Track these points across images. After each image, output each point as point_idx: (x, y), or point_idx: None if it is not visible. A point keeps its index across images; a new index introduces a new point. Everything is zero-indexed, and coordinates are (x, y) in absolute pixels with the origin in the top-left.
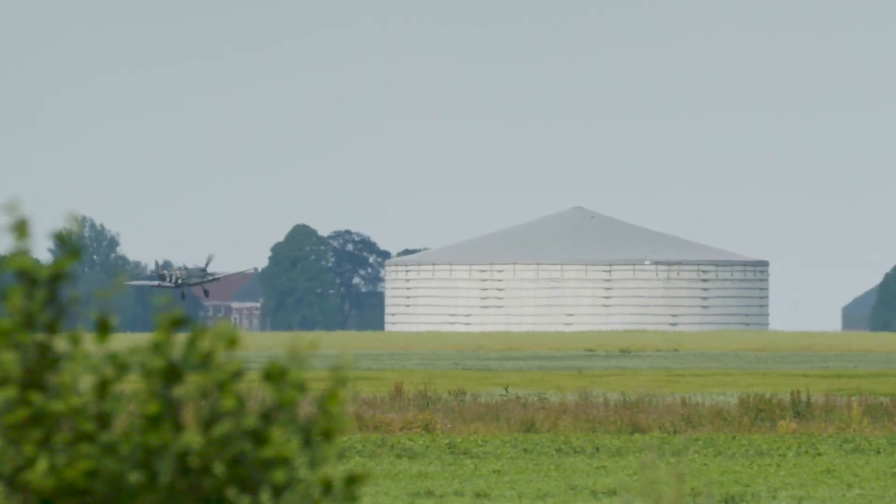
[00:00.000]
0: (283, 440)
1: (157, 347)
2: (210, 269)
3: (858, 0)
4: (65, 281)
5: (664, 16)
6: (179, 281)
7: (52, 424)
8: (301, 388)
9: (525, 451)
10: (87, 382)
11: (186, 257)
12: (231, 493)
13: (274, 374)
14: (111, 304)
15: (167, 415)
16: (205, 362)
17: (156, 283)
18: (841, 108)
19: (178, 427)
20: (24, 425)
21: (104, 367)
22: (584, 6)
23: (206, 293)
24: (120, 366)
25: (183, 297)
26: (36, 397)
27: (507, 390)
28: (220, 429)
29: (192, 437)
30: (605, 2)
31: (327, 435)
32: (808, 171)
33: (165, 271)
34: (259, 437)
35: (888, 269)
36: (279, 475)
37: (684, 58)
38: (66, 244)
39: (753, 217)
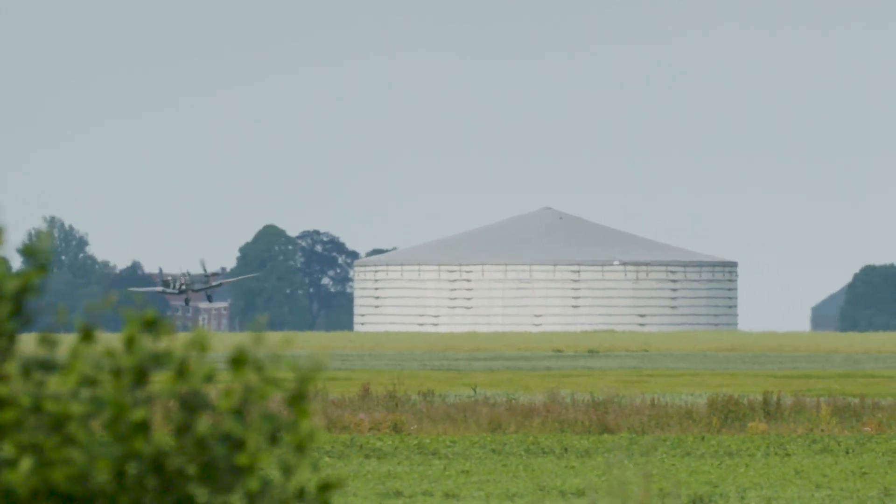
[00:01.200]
0: (257, 447)
1: (129, 346)
2: (213, 277)
3: None
4: (31, 294)
5: (640, 19)
6: (183, 287)
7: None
8: (273, 382)
9: (494, 451)
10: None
11: (156, 257)
12: (202, 494)
13: (239, 361)
14: (96, 313)
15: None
16: (179, 367)
17: (160, 289)
18: (810, 110)
19: (149, 428)
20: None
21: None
22: (546, 5)
23: (210, 298)
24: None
25: (187, 302)
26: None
27: (475, 391)
28: (196, 432)
29: (164, 439)
30: (569, 2)
31: (300, 447)
32: (776, 172)
33: (169, 278)
34: (234, 442)
35: (857, 269)
36: (253, 483)
37: (652, 61)
38: (35, 257)
39: (722, 218)
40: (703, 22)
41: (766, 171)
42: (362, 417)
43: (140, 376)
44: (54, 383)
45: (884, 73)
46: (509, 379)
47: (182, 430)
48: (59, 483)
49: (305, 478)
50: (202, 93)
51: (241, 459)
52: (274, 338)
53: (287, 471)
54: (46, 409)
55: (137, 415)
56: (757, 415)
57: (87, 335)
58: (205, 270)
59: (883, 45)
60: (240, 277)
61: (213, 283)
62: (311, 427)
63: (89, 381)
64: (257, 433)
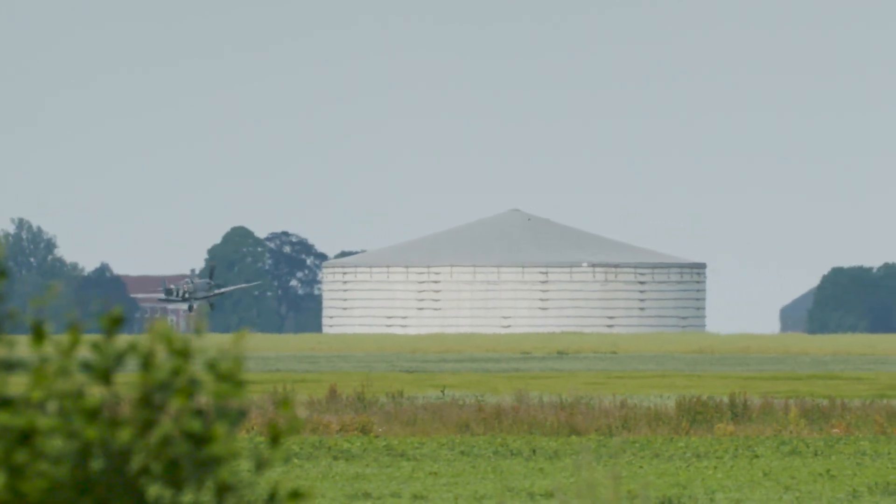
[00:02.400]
0: (227, 437)
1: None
2: (216, 285)
3: None
4: None
5: (612, 20)
6: (186, 295)
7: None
8: (238, 382)
9: (462, 453)
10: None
11: (124, 259)
12: (168, 493)
13: (183, 353)
14: (47, 309)
15: (105, 412)
16: (145, 363)
17: (163, 297)
18: (779, 112)
19: (115, 424)
20: None
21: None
22: (516, 6)
23: (212, 306)
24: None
25: (190, 309)
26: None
27: (443, 392)
28: (160, 430)
29: (126, 434)
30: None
31: (275, 439)
32: (744, 174)
33: (173, 286)
34: (199, 439)
35: (825, 270)
36: (223, 474)
37: (620, 64)
38: None
39: (690, 220)
40: (677, 23)
41: (734, 174)
42: (330, 419)
43: (104, 376)
44: (18, 388)
45: (856, 75)
46: (478, 381)
47: (145, 426)
48: (31, 496)
49: (277, 472)
50: (169, 97)
51: (212, 450)
52: (231, 337)
53: (259, 463)
54: (11, 425)
55: (88, 402)
56: (725, 416)
57: (38, 334)
58: (210, 277)
59: (857, 46)
60: (241, 286)
61: (216, 292)
62: (293, 419)
63: (56, 394)
64: (223, 424)
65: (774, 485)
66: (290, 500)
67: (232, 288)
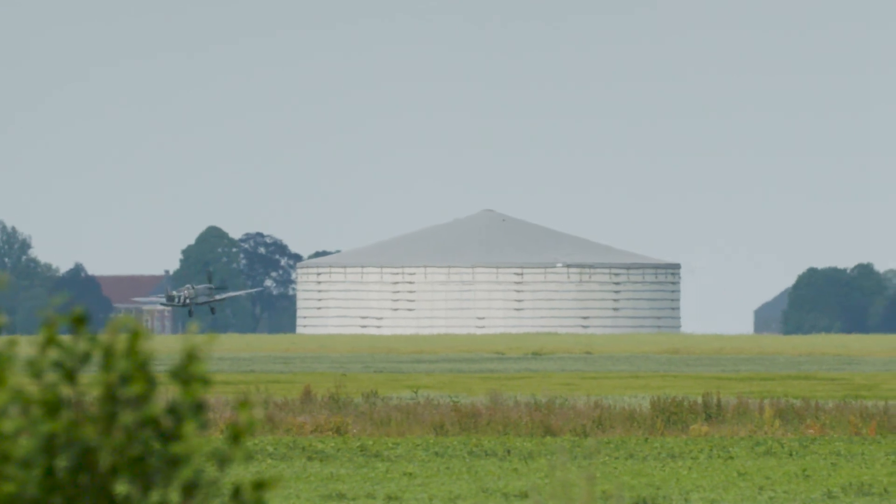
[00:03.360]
0: (193, 436)
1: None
2: (218, 291)
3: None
4: None
5: (580, 17)
6: (188, 301)
7: None
8: (204, 381)
9: (436, 453)
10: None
11: (99, 260)
12: (135, 492)
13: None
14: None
15: (66, 408)
16: (107, 355)
17: (164, 302)
18: (752, 112)
19: (79, 421)
20: None
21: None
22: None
23: (213, 311)
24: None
25: (190, 314)
26: None
27: (416, 393)
28: (124, 419)
29: (91, 430)
30: None
31: (236, 437)
32: (719, 173)
33: (174, 292)
34: (166, 434)
35: (800, 271)
36: (186, 472)
37: (592, 62)
38: None
39: (665, 220)
40: (651, 22)
41: (709, 174)
42: (305, 420)
43: (69, 376)
44: None
45: (831, 74)
46: (452, 381)
47: (109, 420)
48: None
49: (241, 470)
50: (142, 95)
51: (178, 448)
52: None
53: (222, 460)
54: None
55: (48, 395)
56: (699, 417)
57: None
58: (210, 283)
59: (828, 45)
60: (242, 292)
61: (217, 298)
62: (251, 418)
63: (19, 397)
64: (191, 422)
65: (749, 485)
66: (254, 490)
67: (233, 294)
